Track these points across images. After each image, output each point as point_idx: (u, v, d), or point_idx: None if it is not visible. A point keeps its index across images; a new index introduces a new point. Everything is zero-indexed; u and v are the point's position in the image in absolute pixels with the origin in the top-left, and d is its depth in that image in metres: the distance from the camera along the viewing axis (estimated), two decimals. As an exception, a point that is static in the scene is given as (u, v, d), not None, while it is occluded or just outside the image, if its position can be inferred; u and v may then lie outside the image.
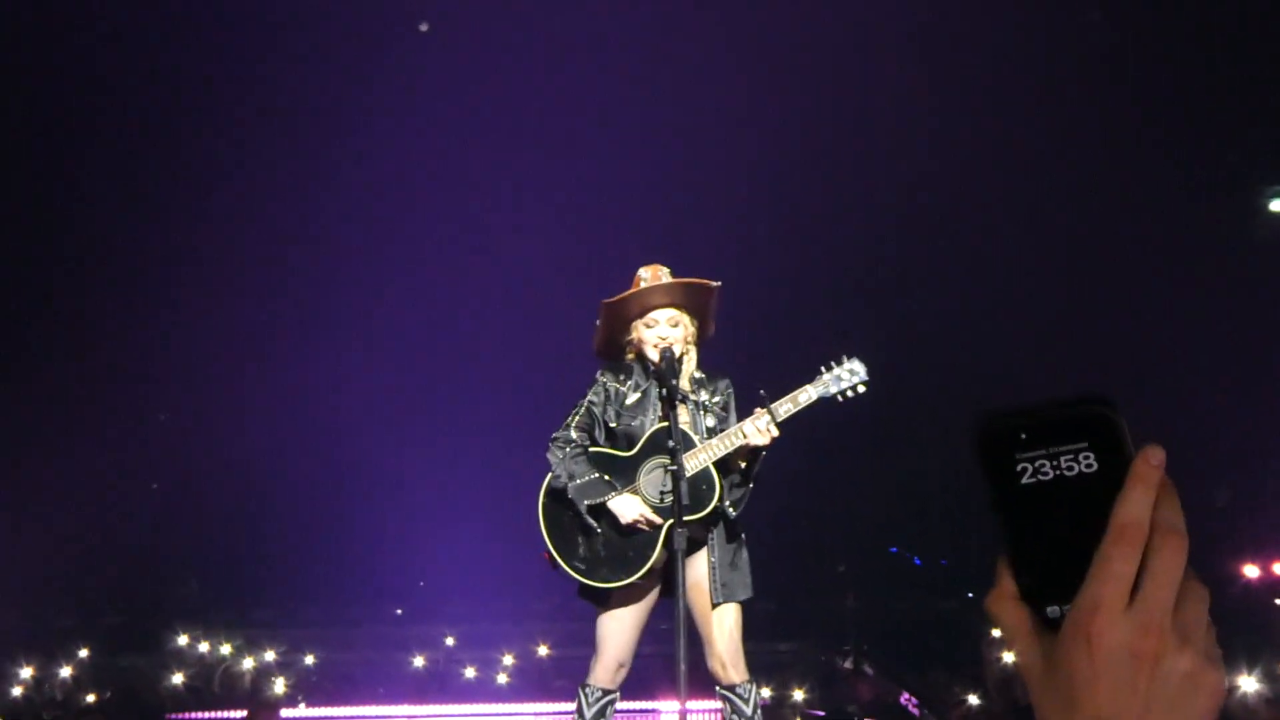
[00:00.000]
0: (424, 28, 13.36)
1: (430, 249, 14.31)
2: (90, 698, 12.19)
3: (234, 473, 14.62)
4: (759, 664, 5.90)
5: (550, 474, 5.80)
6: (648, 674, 6.76)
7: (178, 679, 12.64)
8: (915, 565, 16.56)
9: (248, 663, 12.85)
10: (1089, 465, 1.07)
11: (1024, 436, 1.09)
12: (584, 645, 10.88)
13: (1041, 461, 1.08)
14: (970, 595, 15.79)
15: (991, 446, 1.11)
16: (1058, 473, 1.08)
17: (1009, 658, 12.02)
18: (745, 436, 5.57)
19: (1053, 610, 1.06)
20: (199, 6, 12.81)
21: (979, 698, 11.02)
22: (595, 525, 5.64)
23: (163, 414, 14.95)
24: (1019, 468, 1.09)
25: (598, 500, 5.63)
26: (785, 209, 13.80)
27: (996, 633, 12.35)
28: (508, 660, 13.28)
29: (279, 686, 12.51)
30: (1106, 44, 12.70)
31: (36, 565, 13.24)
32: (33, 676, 12.42)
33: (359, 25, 13.03)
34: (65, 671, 12.61)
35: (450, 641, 14.00)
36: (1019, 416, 1.09)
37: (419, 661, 13.27)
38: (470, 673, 13.23)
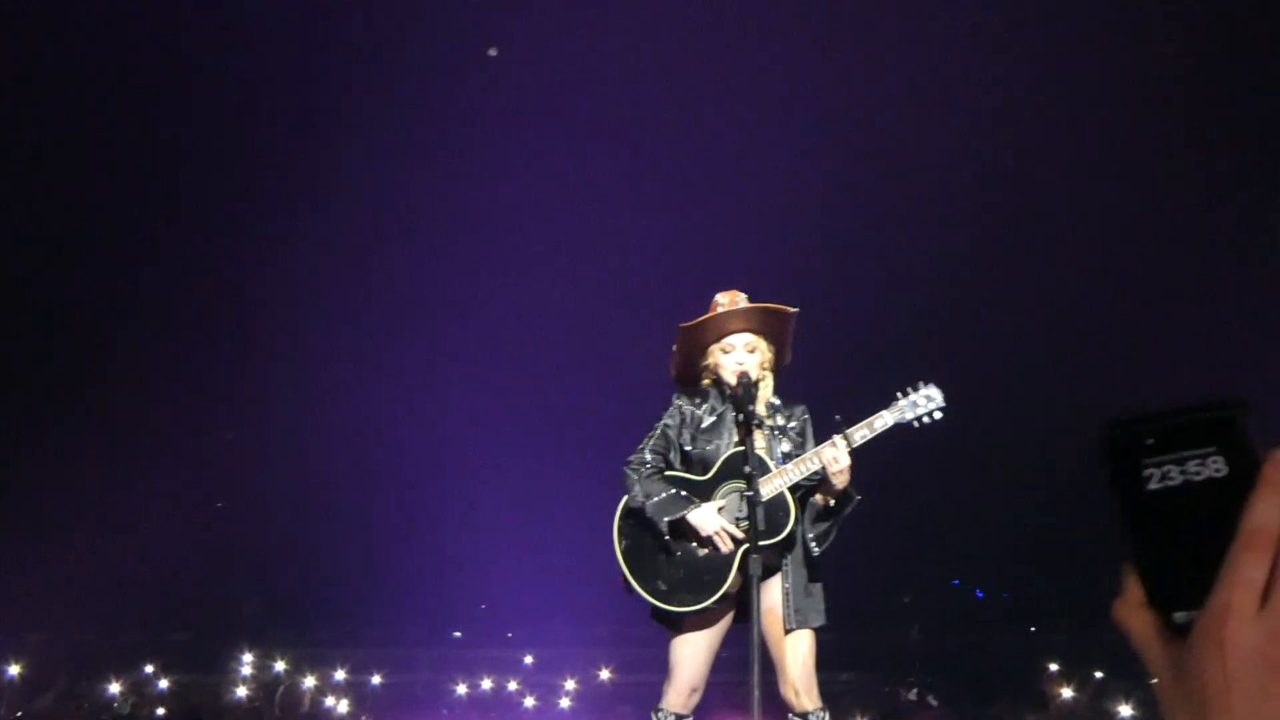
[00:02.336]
0: (492, 53, 13.46)
1: (504, 273, 14.39)
2: (160, 711, 12.29)
3: (299, 493, 14.72)
4: (821, 693, 5.85)
5: (626, 496, 5.79)
6: (712, 702, 6.73)
7: (240, 697, 12.72)
8: (977, 598, 16.45)
9: (309, 681, 12.90)
10: (1217, 470, 1.05)
11: (1151, 443, 1.09)
12: (647, 670, 10.90)
13: (1169, 467, 1.08)
14: (1032, 629, 15.66)
15: (1117, 454, 1.10)
16: (1185, 478, 1.07)
17: (1067, 693, 11.93)
18: (821, 461, 5.55)
19: (1180, 616, 1.06)
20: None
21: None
22: (673, 544, 5.62)
23: (229, 434, 15.07)
24: (1145, 474, 1.09)
25: (677, 515, 5.60)
26: (863, 235, 13.78)
27: (1055, 667, 12.29)
28: (570, 684, 13.27)
29: (342, 706, 12.56)
30: (1193, 56, 12.60)
31: (104, 583, 13.36)
32: (103, 691, 12.52)
33: (431, 55, 13.16)
34: (117, 688, 12.68)
35: (529, 660, 14.00)
36: (1146, 423, 1.09)
37: (485, 684, 13.27)
38: (530, 701, 13.22)
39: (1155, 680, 1.08)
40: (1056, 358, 14.08)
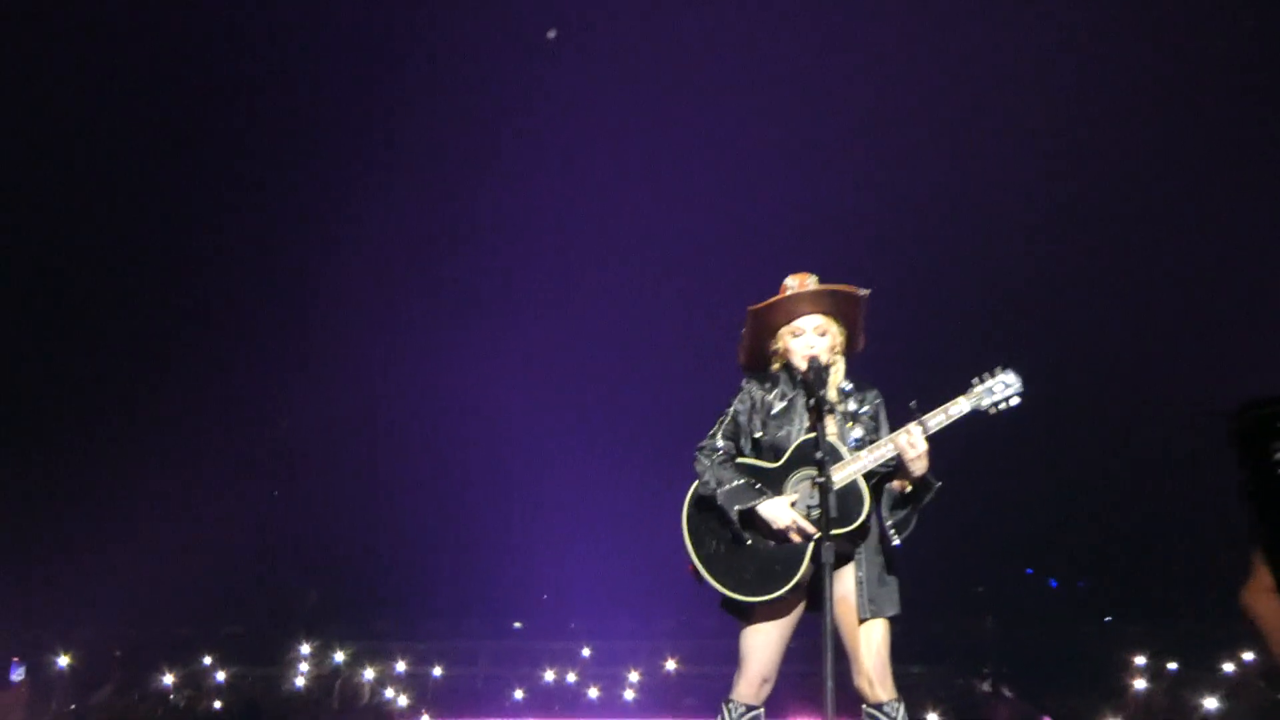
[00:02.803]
0: (551, 34, 13.57)
1: (573, 254, 14.47)
2: (216, 705, 12.48)
3: (354, 480, 14.88)
4: (897, 687, 5.88)
5: (697, 482, 5.85)
6: (781, 693, 6.81)
7: (299, 689, 12.90)
8: (1051, 587, 16.41)
9: (369, 674, 13.05)
10: None
11: None
12: (714, 661, 11.02)
13: None
14: (1108, 620, 15.61)
15: (1248, 435, 1.18)
16: None
17: (1140, 685, 11.92)
18: (895, 448, 5.59)
19: None
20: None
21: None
22: (744, 533, 5.68)
23: (284, 419, 15.22)
24: (1277, 457, 1.16)
25: (748, 505, 5.65)
26: (938, 216, 13.76)
27: (1141, 660, 12.28)
28: (634, 676, 13.34)
29: (402, 700, 12.71)
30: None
31: (158, 572, 13.56)
32: (155, 685, 12.71)
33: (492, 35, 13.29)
34: (174, 679, 12.85)
35: (587, 652, 14.06)
36: (1275, 405, 1.17)
37: (548, 676, 13.37)
38: (594, 692, 13.30)
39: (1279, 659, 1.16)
40: (1139, 342, 14.00)
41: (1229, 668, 12.16)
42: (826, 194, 13.79)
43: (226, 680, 13.19)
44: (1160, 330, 13.87)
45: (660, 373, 14.04)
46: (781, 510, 5.66)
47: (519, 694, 13.21)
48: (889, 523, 5.77)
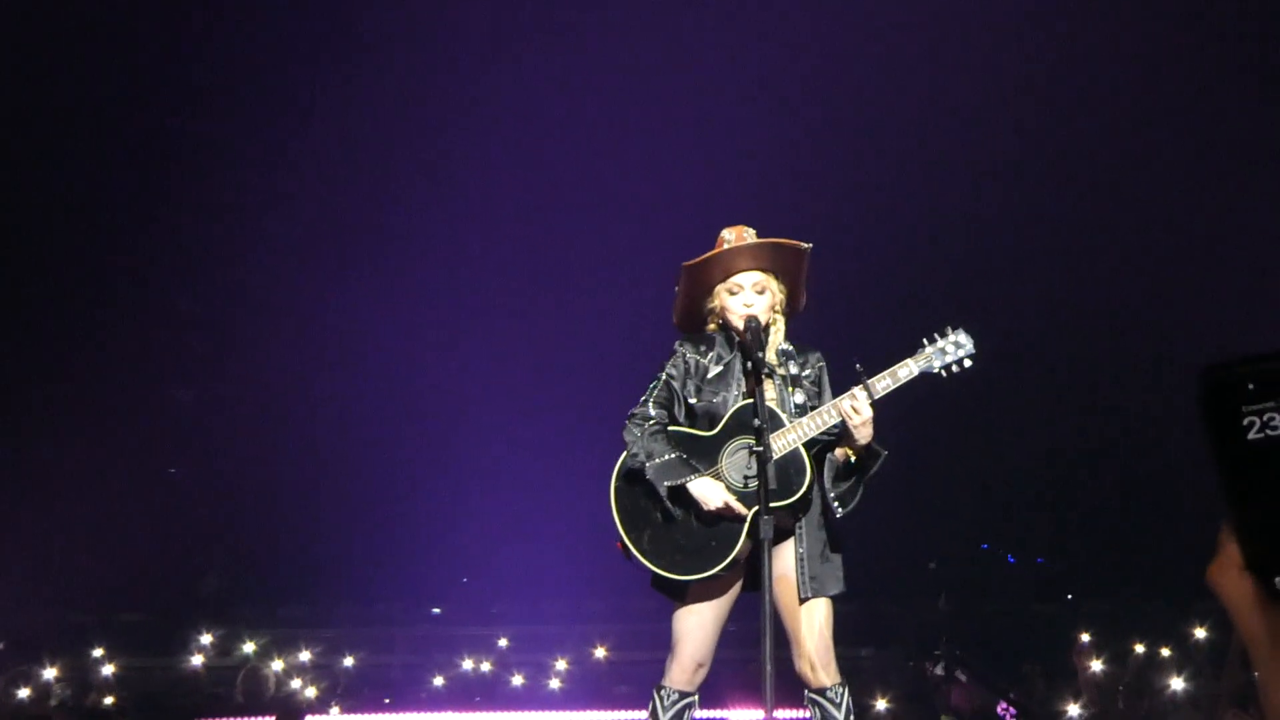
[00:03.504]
0: None
1: (491, 213, 14.34)
2: (106, 701, 12.30)
3: (260, 457, 14.69)
4: (841, 671, 5.84)
5: (625, 453, 5.78)
6: (718, 680, 6.76)
7: (199, 682, 12.74)
8: (1009, 563, 16.49)
9: (276, 665, 12.92)
10: None
11: (1252, 387, 1.07)
12: (647, 648, 10.94)
13: (1271, 415, 1.06)
14: (1069, 597, 15.71)
15: (1215, 399, 1.08)
16: None
17: (1097, 666, 11.97)
18: (839, 414, 5.55)
19: None
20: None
21: (1080, 707, 10.98)
22: (675, 509, 5.62)
23: (184, 391, 15.03)
24: (1245, 421, 1.07)
25: (678, 482, 5.60)
26: (885, 165, 13.71)
27: (1085, 638, 12.34)
28: (561, 664, 13.29)
29: (310, 691, 12.58)
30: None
31: (49, 558, 13.37)
32: (44, 677, 12.51)
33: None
34: (56, 673, 12.64)
35: (504, 643, 13.98)
36: (1246, 365, 1.07)
37: (468, 665, 13.28)
38: (518, 679, 13.23)
39: (1251, 647, 1.07)
40: (1102, 303, 14.05)
41: (1201, 634, 12.22)
42: (765, 142, 13.71)
43: (118, 672, 12.98)
44: (1130, 289, 13.92)
45: (589, 337, 13.94)
46: (712, 490, 5.61)
47: (439, 681, 13.10)
48: (832, 495, 5.75)
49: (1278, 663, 1.02)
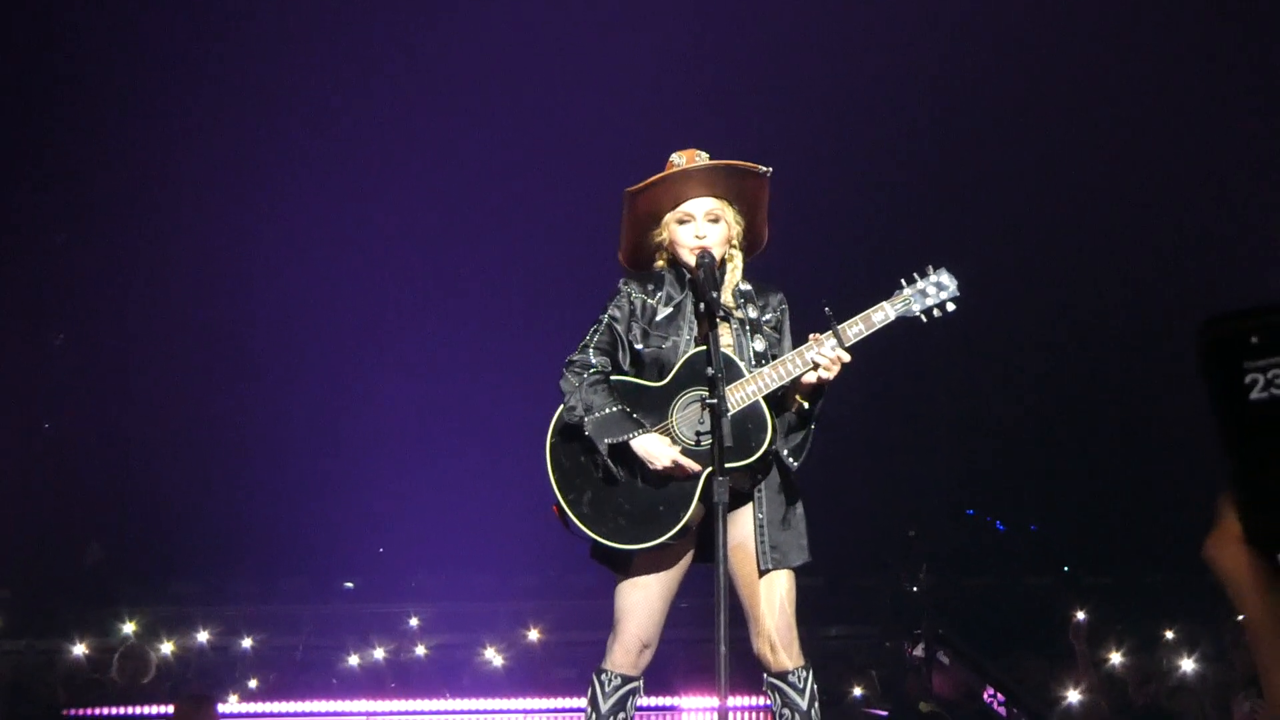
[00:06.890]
0: None
1: (409, 136, 14.25)
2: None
3: (148, 412, 14.60)
4: (804, 649, 5.86)
5: (562, 406, 5.77)
6: (666, 663, 6.78)
7: (75, 667, 12.68)
8: (998, 531, 16.57)
9: (166, 648, 12.87)
10: None
11: (1255, 341, 1.07)
12: (587, 627, 10.99)
13: (1276, 372, 1.06)
14: (1065, 569, 15.81)
15: (1215, 355, 1.08)
16: None
17: (1116, 659, 12.06)
18: (806, 365, 5.57)
19: None
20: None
21: (1080, 694, 11.05)
22: (617, 471, 5.64)
23: (58, 335, 14.90)
24: (1248, 379, 1.07)
25: (620, 439, 5.59)
26: (855, 80, 13.67)
27: (1081, 616, 12.44)
28: (488, 646, 13.28)
29: (204, 676, 12.55)
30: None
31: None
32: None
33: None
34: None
35: (415, 622, 13.97)
36: (1249, 318, 1.07)
37: (384, 646, 13.26)
38: (438, 660, 13.22)
39: (1250, 624, 1.09)
40: (1100, 243, 14.09)
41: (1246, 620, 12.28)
42: (717, 56, 13.67)
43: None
44: (1130, 230, 13.97)
45: (522, 274, 13.91)
46: (659, 447, 5.61)
47: (354, 661, 13.07)
48: (784, 451, 5.75)
49: (1278, 638, 1.04)
